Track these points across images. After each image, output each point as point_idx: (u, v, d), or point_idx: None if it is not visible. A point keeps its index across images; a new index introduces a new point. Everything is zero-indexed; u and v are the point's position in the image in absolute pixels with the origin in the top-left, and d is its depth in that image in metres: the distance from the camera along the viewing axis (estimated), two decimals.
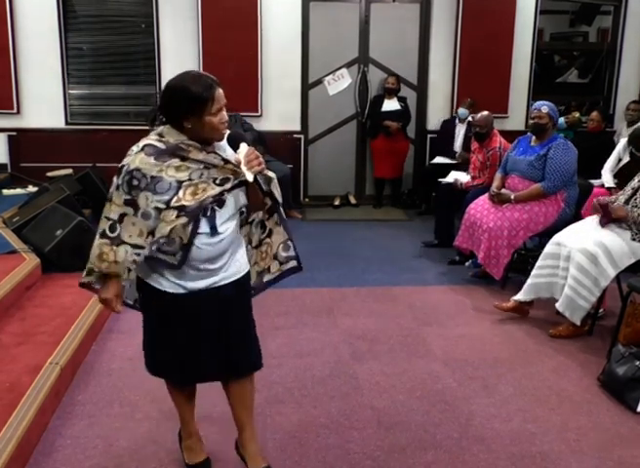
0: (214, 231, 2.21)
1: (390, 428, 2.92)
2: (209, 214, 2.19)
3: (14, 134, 7.12)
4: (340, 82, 7.49)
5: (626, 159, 5.40)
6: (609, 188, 5.34)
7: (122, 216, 2.17)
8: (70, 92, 7.23)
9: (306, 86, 7.48)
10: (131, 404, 3.09)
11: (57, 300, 4.08)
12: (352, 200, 7.68)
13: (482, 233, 4.71)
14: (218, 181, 2.17)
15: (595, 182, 5.43)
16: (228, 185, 2.18)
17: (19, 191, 6.66)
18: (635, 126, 5.50)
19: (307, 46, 7.40)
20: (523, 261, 4.90)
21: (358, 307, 4.42)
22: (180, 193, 2.11)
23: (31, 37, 6.97)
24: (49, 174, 6.74)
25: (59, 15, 6.95)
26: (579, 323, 3.86)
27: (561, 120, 6.70)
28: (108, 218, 2.20)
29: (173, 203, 2.11)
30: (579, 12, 8.51)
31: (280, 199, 2.37)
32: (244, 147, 2.19)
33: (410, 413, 3.05)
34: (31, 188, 6.61)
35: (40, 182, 6.41)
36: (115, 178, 2.19)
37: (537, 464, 2.67)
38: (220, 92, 2.20)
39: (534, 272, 4.12)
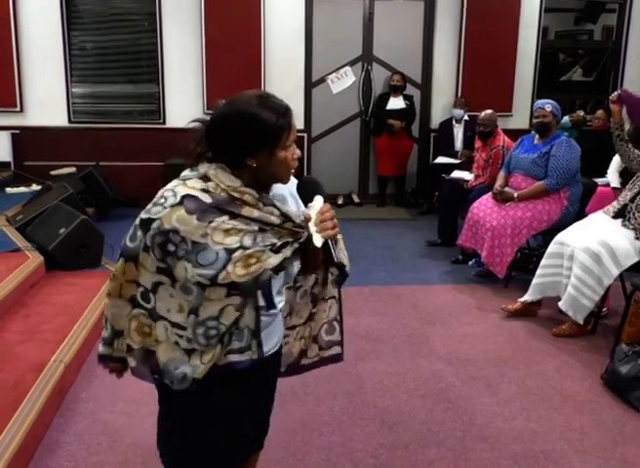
0: (270, 305, 1.73)
1: (393, 426, 2.94)
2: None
3: (17, 132, 7.15)
4: (344, 80, 7.51)
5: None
6: (614, 188, 5.35)
7: (156, 286, 1.63)
8: (73, 90, 7.26)
9: (310, 84, 7.49)
10: (134, 401, 3.11)
11: (60, 298, 4.10)
12: (355, 199, 7.69)
13: (485, 232, 4.72)
14: (275, 247, 1.62)
15: (600, 181, 5.44)
16: (289, 252, 1.64)
17: (22, 189, 6.69)
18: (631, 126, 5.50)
19: (311, 44, 7.42)
20: (526, 260, 4.92)
21: (361, 306, 4.43)
22: (230, 267, 1.57)
23: (34, 36, 7.00)
24: (52, 172, 6.77)
25: (61, 13, 6.99)
26: (582, 322, 3.87)
27: (565, 119, 6.70)
28: (139, 284, 1.66)
29: (220, 279, 1.57)
30: (584, 10, 8.50)
31: (348, 267, 1.88)
32: (319, 201, 1.68)
33: (413, 412, 3.07)
34: (35, 187, 6.64)
35: (43, 181, 6.45)
36: (139, 232, 1.65)
37: (539, 463, 2.69)
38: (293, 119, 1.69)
39: (538, 272, 4.13)
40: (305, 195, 1.72)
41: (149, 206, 1.64)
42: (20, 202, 6.01)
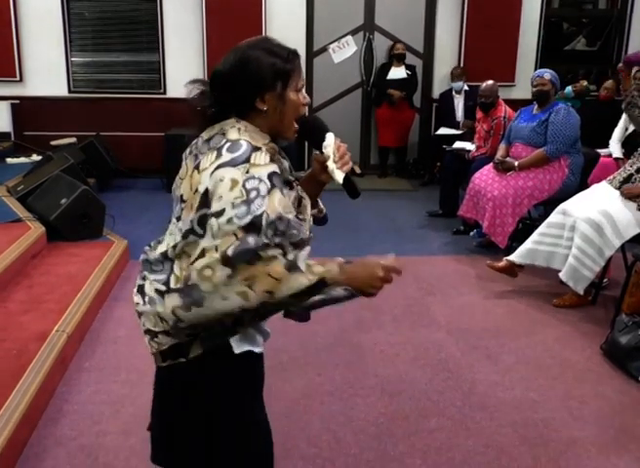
0: None
1: (394, 396, 2.95)
2: None
3: (17, 102, 7.10)
4: (346, 50, 7.42)
5: (632, 128, 5.36)
6: (617, 159, 5.31)
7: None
8: (73, 59, 7.19)
9: (311, 54, 7.41)
10: (137, 370, 3.12)
11: (63, 268, 4.10)
12: (357, 170, 7.59)
13: (486, 202, 4.70)
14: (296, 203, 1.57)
15: (603, 152, 5.39)
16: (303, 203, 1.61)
17: (22, 160, 6.67)
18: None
19: (312, 13, 7.32)
20: (528, 230, 4.88)
21: None
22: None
23: (33, 4, 6.91)
24: (53, 142, 6.73)
25: None
26: (582, 292, 3.87)
27: (569, 89, 6.64)
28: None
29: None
30: None
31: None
32: (331, 138, 1.60)
33: (413, 381, 3.08)
34: (35, 157, 6.61)
35: (44, 151, 6.41)
36: (242, 234, 1.39)
37: (538, 431, 2.70)
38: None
39: (535, 238, 4.09)
40: (312, 133, 1.62)
41: (240, 206, 1.39)
42: (20, 172, 5.99)
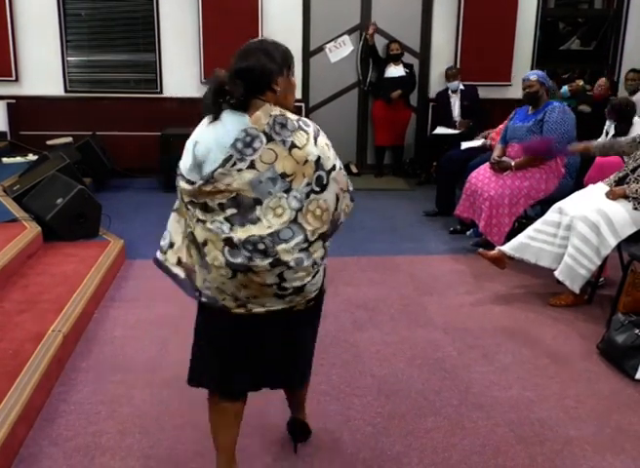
0: None
1: (390, 395, 2.95)
2: None
3: (12, 101, 7.08)
4: (342, 49, 7.40)
5: (612, 132, 5.42)
6: None
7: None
8: (69, 59, 7.17)
9: (307, 53, 7.41)
10: (133, 371, 3.12)
11: (59, 268, 4.09)
12: (353, 169, 7.65)
13: (483, 201, 4.71)
14: None
15: None
16: None
17: (18, 159, 6.65)
18: (612, 100, 5.52)
19: (309, 12, 7.31)
20: (524, 230, 4.89)
21: (359, 276, 4.43)
22: None
23: (29, 3, 6.89)
24: (49, 142, 6.72)
25: None
26: (578, 291, 3.87)
27: (564, 88, 6.65)
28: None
29: None
30: None
31: None
32: None
33: (410, 381, 3.08)
34: (31, 157, 6.59)
35: (40, 151, 6.40)
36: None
37: (535, 431, 2.70)
38: None
39: (530, 233, 4.07)
40: None
41: (336, 158, 2.02)
42: (16, 172, 5.98)
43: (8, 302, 3.57)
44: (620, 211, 3.79)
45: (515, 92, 7.19)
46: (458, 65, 7.29)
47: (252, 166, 1.90)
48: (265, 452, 2.54)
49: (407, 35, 7.49)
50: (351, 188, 2.10)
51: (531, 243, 4.04)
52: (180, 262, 2.14)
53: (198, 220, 1.99)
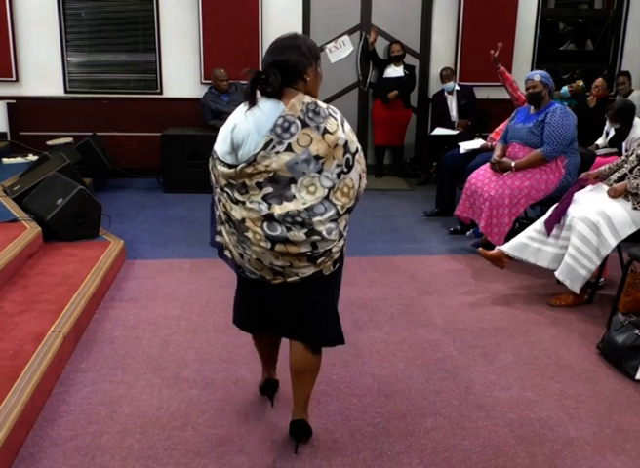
0: None
1: (391, 395, 2.95)
2: None
3: (13, 102, 7.08)
4: (342, 49, 7.40)
5: (612, 133, 5.43)
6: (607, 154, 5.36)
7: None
8: (69, 59, 7.16)
9: None
10: (133, 371, 3.11)
11: (59, 269, 4.09)
12: None
13: (483, 202, 4.70)
14: None
15: (599, 152, 5.43)
16: None
17: (19, 160, 6.65)
18: (617, 99, 5.54)
19: (309, 12, 7.31)
20: (524, 230, 4.89)
21: (359, 276, 4.43)
22: None
23: (29, 4, 6.89)
24: (49, 142, 6.72)
25: None
26: (578, 291, 3.87)
27: (565, 89, 6.64)
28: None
29: None
30: None
31: None
32: None
33: (410, 381, 3.08)
34: (31, 157, 6.59)
35: (40, 151, 6.40)
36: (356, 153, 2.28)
37: (535, 431, 2.70)
38: None
39: (529, 233, 4.07)
40: None
41: (336, 127, 2.22)
42: (16, 172, 5.98)
43: (8, 303, 3.57)
44: (620, 211, 3.78)
45: None
46: (458, 66, 7.29)
47: (289, 149, 2.15)
48: (265, 453, 2.54)
49: (407, 36, 7.49)
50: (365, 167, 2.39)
51: (530, 243, 4.04)
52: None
53: (237, 201, 2.24)
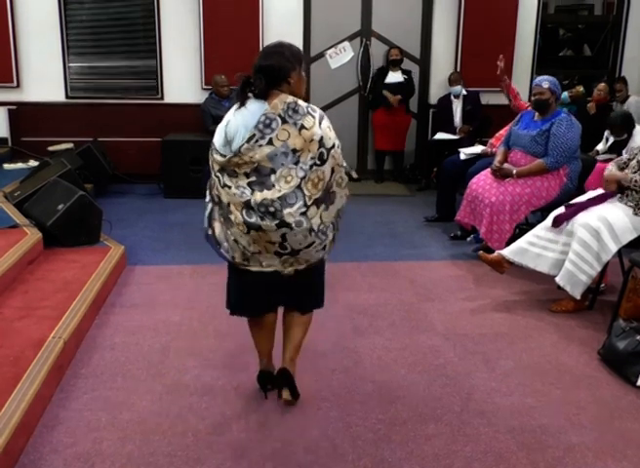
0: None
1: (392, 402, 2.94)
2: None
3: (14, 107, 7.08)
4: (343, 55, 7.42)
5: (612, 139, 5.45)
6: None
7: None
8: (70, 65, 7.17)
9: (308, 59, 7.40)
10: (134, 377, 3.11)
11: (59, 274, 4.08)
12: (354, 175, 7.64)
13: (484, 208, 4.70)
14: None
15: (599, 157, 5.43)
16: None
17: (20, 165, 6.65)
18: (614, 112, 5.56)
19: (309, 18, 7.32)
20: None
21: (359, 282, 4.42)
22: None
23: (30, 10, 6.90)
24: (50, 148, 6.72)
25: None
26: (579, 297, 3.86)
27: (565, 94, 6.65)
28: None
29: None
30: None
31: None
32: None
33: (411, 387, 3.07)
34: (32, 162, 6.59)
35: (41, 157, 6.40)
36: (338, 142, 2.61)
37: (536, 437, 2.69)
38: None
39: (530, 238, 4.06)
40: None
41: (336, 138, 2.59)
42: (17, 178, 5.97)
43: (8, 308, 3.56)
44: (621, 216, 3.78)
45: None
46: (453, 72, 7.29)
47: (270, 142, 2.46)
48: (267, 459, 2.53)
49: (407, 42, 7.49)
50: (345, 164, 2.65)
51: (530, 248, 4.04)
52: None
53: (225, 186, 2.55)
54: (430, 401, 2.96)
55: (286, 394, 2.85)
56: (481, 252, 4.29)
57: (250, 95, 2.56)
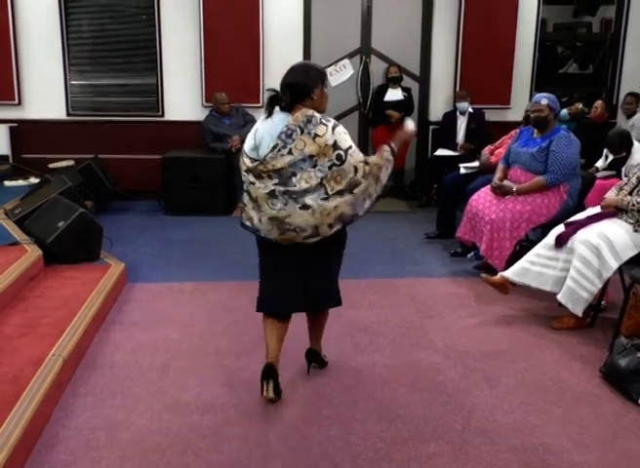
0: None
1: (392, 420, 2.92)
2: None
3: (15, 125, 7.12)
4: (342, 73, 7.46)
5: (611, 157, 5.47)
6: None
7: None
8: (72, 82, 7.22)
9: None
10: (133, 396, 3.09)
11: (59, 292, 4.08)
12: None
13: (484, 225, 4.70)
14: None
15: (599, 174, 5.45)
16: None
17: (20, 182, 6.67)
18: (612, 131, 5.58)
19: (309, 36, 7.38)
20: (525, 253, 4.88)
21: (359, 299, 4.42)
22: None
23: (32, 28, 6.97)
24: (50, 165, 6.74)
25: (59, 4, 6.95)
26: (580, 314, 3.86)
27: (564, 111, 6.69)
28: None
29: None
30: (582, 2, 8.47)
31: None
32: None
33: (412, 406, 3.06)
34: (33, 180, 6.61)
35: (42, 174, 6.42)
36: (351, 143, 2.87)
37: (539, 456, 2.67)
38: None
39: (531, 257, 4.07)
40: None
41: (351, 140, 2.87)
42: (18, 195, 5.99)
43: (8, 326, 3.56)
44: (622, 233, 3.79)
45: (514, 115, 7.24)
46: (457, 89, 7.34)
47: (290, 152, 2.79)
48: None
49: (407, 59, 7.55)
50: (368, 159, 2.94)
51: (531, 267, 4.04)
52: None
53: (251, 183, 2.91)
54: (431, 419, 2.94)
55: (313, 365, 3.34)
56: (484, 274, 4.28)
57: (277, 108, 2.91)
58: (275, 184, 2.83)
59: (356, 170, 2.86)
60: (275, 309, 3.08)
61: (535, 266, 4.03)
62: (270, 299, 3.08)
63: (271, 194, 2.84)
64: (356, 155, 2.86)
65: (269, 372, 2.99)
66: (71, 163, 6.82)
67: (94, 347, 3.62)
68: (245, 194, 3.01)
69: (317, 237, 2.91)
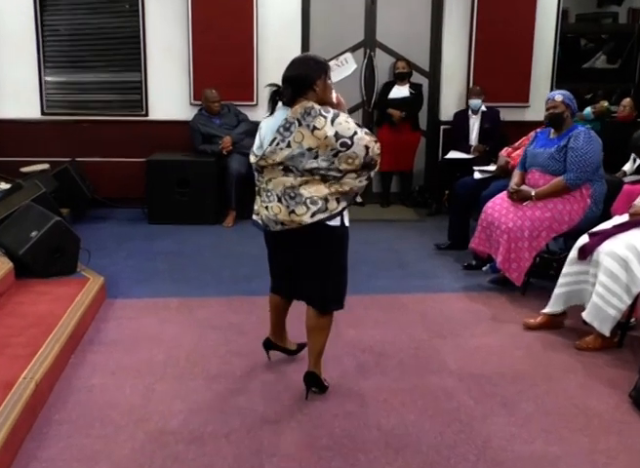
0: None
1: (400, 450, 2.92)
2: None
3: None
4: (345, 68, 7.40)
5: (639, 161, 5.49)
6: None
7: None
8: (47, 79, 7.24)
9: None
10: (113, 423, 3.09)
11: (31, 308, 4.08)
12: (358, 199, 7.63)
13: (500, 234, 4.70)
14: None
15: (627, 179, 5.45)
16: None
17: None
18: (637, 132, 5.59)
19: (308, 28, 7.41)
20: (546, 265, 4.89)
21: (363, 317, 4.41)
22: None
23: (3, 19, 6.98)
24: (23, 169, 6.74)
25: None
26: (607, 334, 3.85)
27: (588, 110, 6.70)
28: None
29: None
30: None
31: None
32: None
33: (421, 434, 3.05)
34: (3, 185, 6.59)
35: (13, 179, 6.42)
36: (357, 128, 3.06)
37: None
38: None
39: (560, 280, 4.11)
40: None
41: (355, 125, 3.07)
42: None
43: None
44: None
45: (533, 114, 7.26)
46: (470, 85, 7.35)
47: (288, 145, 3.02)
48: None
49: (415, 53, 7.57)
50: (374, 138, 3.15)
51: (567, 289, 4.10)
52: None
53: (257, 179, 3.24)
54: (443, 449, 2.93)
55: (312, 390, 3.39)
56: (525, 320, 4.29)
57: (279, 103, 3.13)
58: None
59: (367, 149, 3.05)
60: (272, 285, 3.53)
61: (570, 286, 4.06)
62: (271, 277, 3.51)
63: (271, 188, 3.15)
64: (364, 137, 3.05)
65: (265, 345, 3.64)
66: (46, 166, 6.82)
67: (69, 369, 3.62)
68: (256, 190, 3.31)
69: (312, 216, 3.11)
